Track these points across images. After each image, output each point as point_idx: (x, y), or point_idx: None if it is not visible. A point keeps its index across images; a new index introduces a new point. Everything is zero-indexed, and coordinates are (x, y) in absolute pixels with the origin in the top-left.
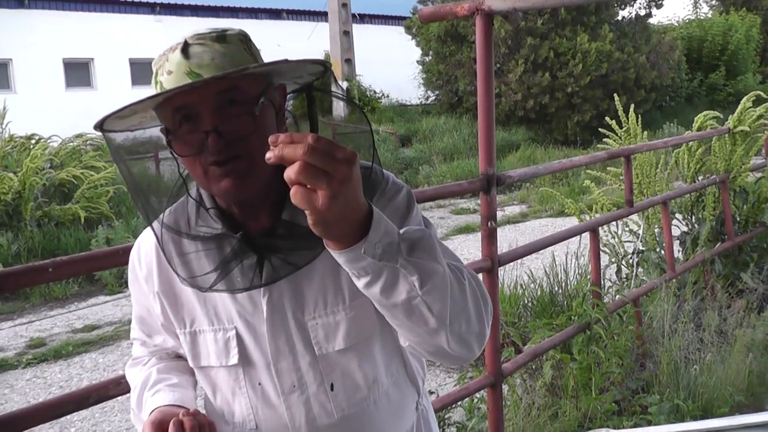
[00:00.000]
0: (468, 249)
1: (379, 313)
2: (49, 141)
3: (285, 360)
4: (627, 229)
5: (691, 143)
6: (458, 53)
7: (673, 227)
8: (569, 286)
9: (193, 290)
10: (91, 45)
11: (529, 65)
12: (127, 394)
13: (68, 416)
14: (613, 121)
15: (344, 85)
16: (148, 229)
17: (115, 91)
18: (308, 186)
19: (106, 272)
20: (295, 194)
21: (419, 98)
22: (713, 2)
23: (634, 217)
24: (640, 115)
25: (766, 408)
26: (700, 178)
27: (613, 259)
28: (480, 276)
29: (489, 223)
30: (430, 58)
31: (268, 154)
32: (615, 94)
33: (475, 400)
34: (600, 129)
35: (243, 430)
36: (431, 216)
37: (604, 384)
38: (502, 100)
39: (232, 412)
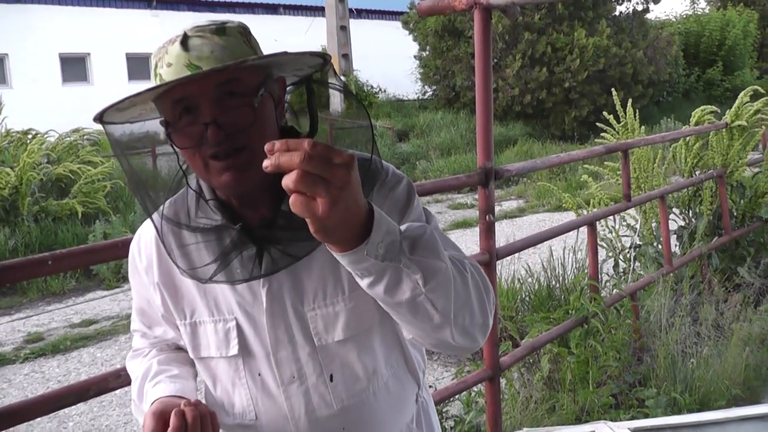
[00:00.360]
0: (465, 244)
1: (378, 305)
2: (45, 136)
3: (284, 350)
4: (624, 223)
5: (688, 138)
6: (455, 48)
7: (670, 222)
8: (566, 281)
9: (193, 281)
10: (88, 40)
11: (526, 60)
12: (126, 388)
13: (66, 410)
14: (611, 116)
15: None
16: (148, 220)
17: (111, 85)
18: (307, 194)
19: (103, 267)
20: (294, 203)
21: (416, 93)
22: None
23: (632, 211)
24: (637, 110)
25: (762, 401)
26: (697, 172)
27: (610, 254)
28: None
29: (487, 217)
30: (428, 53)
31: (265, 163)
32: (612, 89)
33: (473, 394)
34: (597, 124)
35: (243, 421)
36: None
37: (602, 377)
38: (499, 95)
39: (232, 403)
